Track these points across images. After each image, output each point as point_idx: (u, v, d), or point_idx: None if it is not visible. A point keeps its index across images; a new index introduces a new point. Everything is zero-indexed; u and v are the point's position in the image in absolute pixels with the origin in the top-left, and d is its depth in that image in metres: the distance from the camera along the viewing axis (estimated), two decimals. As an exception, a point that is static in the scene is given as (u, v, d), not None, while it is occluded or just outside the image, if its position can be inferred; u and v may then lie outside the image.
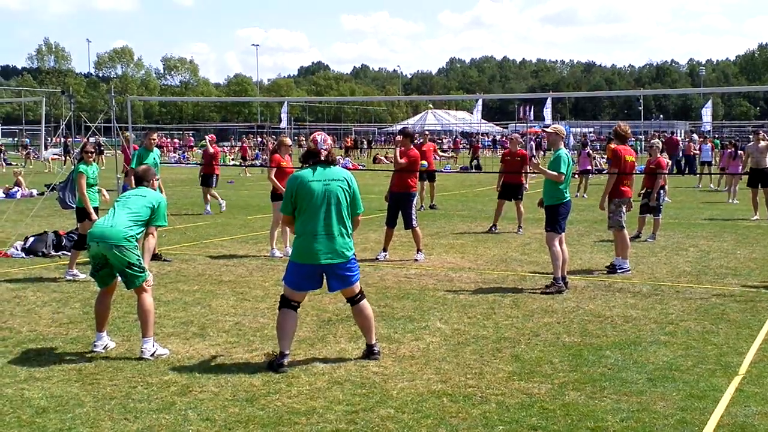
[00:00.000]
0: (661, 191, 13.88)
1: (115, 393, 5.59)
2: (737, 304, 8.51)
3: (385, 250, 11.67)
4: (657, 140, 16.67)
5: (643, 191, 13.97)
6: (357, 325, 6.63)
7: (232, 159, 47.74)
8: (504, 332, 7.28)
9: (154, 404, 5.36)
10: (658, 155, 14.33)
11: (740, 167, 22.24)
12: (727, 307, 8.31)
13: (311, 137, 6.42)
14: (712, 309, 8.23)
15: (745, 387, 5.71)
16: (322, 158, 6.28)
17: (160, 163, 13.02)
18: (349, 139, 59.35)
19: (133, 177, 7.45)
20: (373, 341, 6.48)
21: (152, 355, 6.42)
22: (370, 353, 6.43)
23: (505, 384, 5.78)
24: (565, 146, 9.84)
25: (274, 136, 52.28)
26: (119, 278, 6.65)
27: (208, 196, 18.70)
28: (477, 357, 6.48)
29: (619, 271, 10.39)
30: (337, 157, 7.21)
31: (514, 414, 5.16)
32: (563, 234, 9.44)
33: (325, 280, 6.31)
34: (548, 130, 9.86)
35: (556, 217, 9.29)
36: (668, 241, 13.40)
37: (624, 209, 10.67)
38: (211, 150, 19.29)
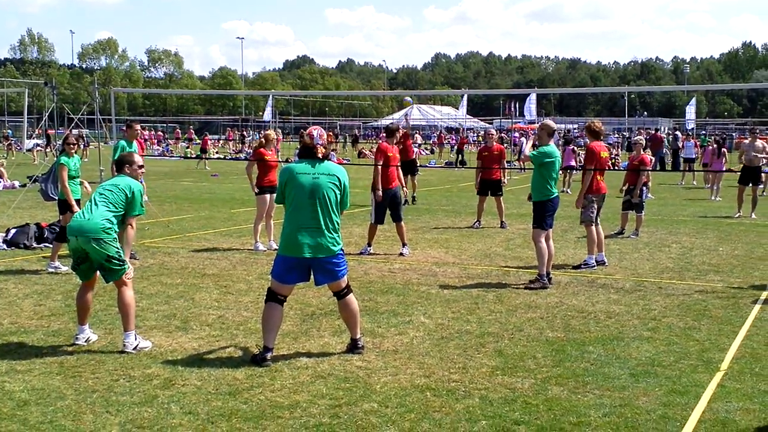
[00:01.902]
0: (644, 188, 13.94)
1: (97, 386, 5.56)
2: (719, 300, 8.57)
3: (369, 244, 11.67)
4: (640, 137, 16.74)
5: (625, 188, 14.05)
6: (342, 319, 6.62)
7: (217, 152, 47.53)
8: (487, 327, 7.30)
9: (137, 397, 5.33)
10: (642, 152, 14.41)
11: (723, 165, 22.44)
12: (709, 304, 8.36)
13: (308, 131, 6.40)
14: (695, 305, 8.29)
15: (727, 383, 5.75)
16: (318, 154, 6.27)
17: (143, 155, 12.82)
18: (330, 135, 59.16)
19: (115, 165, 7.43)
20: (358, 335, 6.47)
21: (134, 348, 6.38)
22: (354, 347, 6.43)
23: (489, 379, 5.79)
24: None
25: (258, 130, 52.06)
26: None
27: None
28: (460, 352, 6.49)
29: (583, 266, 10.40)
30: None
31: (497, 408, 5.17)
32: (550, 230, 9.47)
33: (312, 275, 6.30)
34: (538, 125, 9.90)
35: (543, 213, 9.31)
36: (651, 237, 13.47)
37: (596, 205, 10.74)
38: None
